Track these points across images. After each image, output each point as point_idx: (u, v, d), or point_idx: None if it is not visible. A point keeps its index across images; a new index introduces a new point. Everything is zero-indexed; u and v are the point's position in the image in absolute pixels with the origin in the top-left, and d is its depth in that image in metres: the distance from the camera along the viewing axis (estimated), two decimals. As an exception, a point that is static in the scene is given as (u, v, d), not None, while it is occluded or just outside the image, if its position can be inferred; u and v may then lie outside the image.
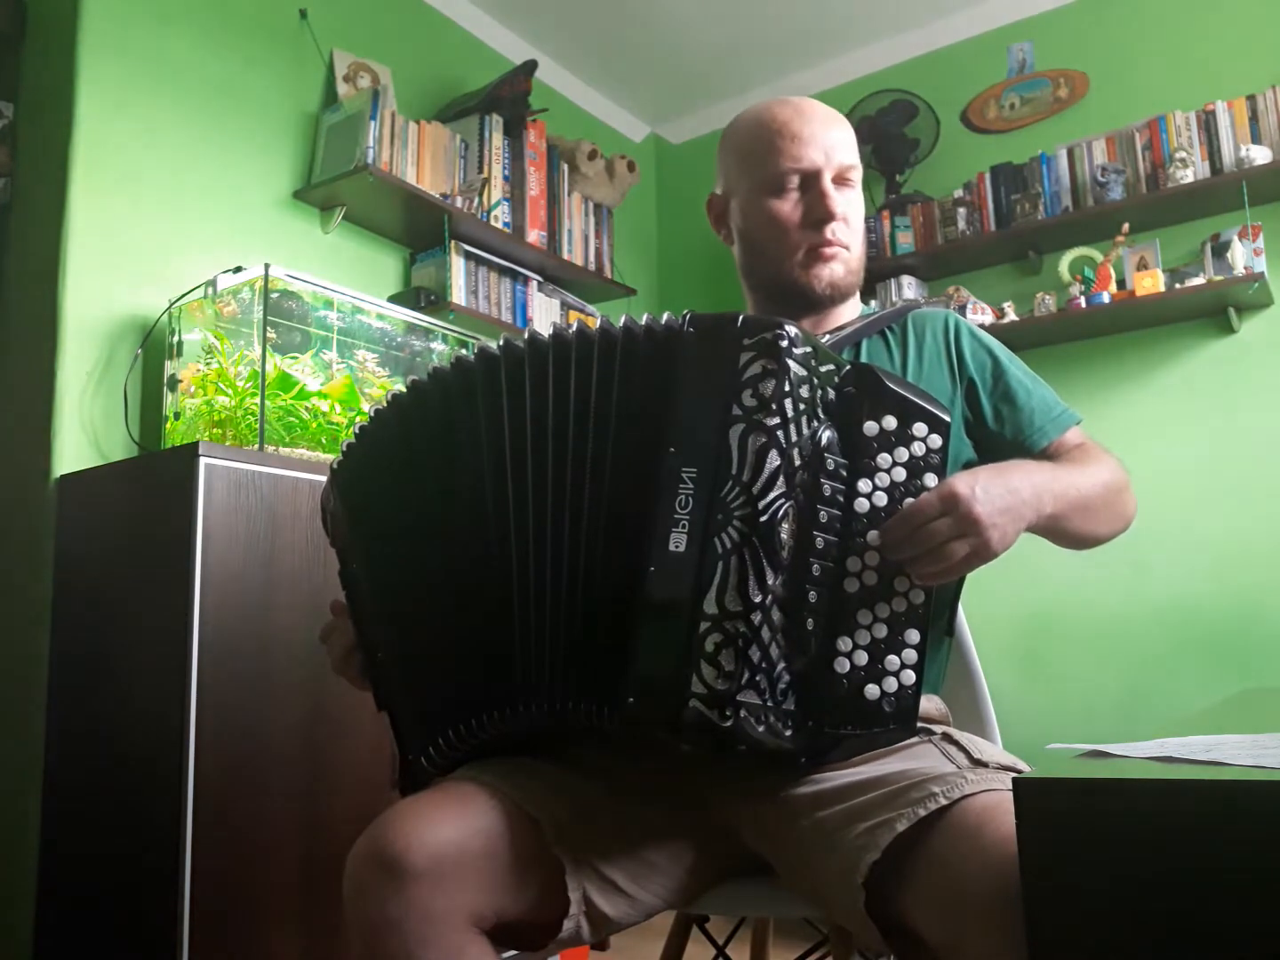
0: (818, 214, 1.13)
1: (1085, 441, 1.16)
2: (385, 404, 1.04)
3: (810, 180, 1.14)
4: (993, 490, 0.88)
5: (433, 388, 1.01)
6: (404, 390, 1.03)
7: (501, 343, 0.98)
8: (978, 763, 0.89)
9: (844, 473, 0.89)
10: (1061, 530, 1.03)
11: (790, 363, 0.86)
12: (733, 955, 1.28)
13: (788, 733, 0.85)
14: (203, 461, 1.67)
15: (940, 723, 1.06)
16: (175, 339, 2.13)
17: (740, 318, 0.89)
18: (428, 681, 0.99)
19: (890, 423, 0.90)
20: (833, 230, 1.14)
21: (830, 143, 1.14)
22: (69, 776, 1.84)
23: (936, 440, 0.91)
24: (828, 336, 1.14)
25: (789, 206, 1.15)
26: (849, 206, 1.16)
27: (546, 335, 0.96)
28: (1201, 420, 2.71)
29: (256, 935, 1.65)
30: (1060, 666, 2.81)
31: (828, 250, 1.14)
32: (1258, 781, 0.55)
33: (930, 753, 0.94)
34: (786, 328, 0.87)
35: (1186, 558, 2.67)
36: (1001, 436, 1.14)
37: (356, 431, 1.06)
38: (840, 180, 1.16)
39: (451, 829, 0.88)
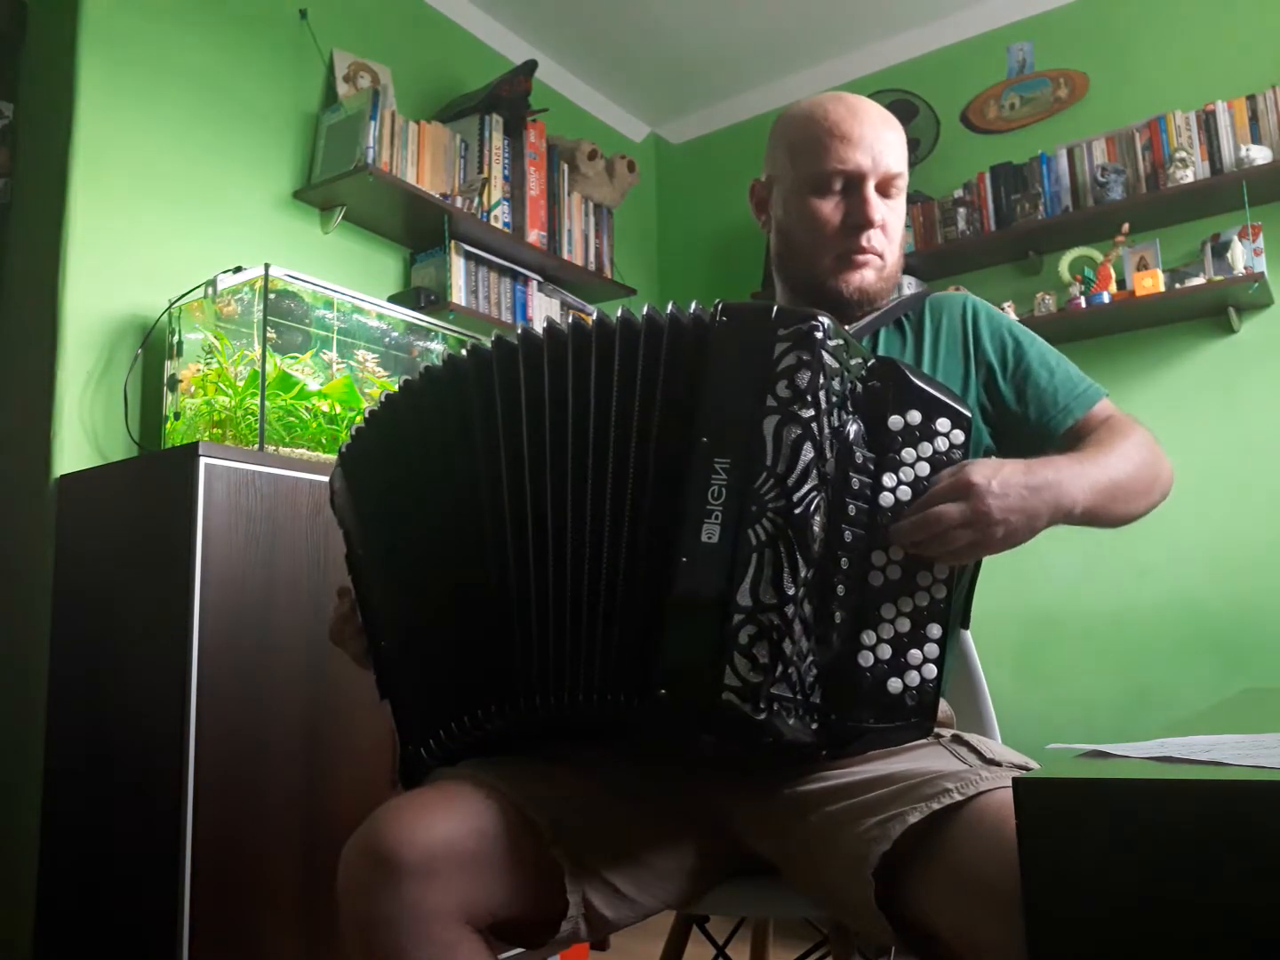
0: (856, 219, 1.12)
1: (1113, 414, 1.14)
2: (398, 390, 1.02)
3: (854, 183, 1.13)
4: (1011, 485, 0.88)
5: (447, 375, 0.99)
6: (417, 377, 1.01)
7: (519, 332, 0.96)
8: (990, 762, 0.89)
9: (871, 466, 0.89)
10: (1099, 519, 1.01)
11: (824, 354, 0.86)
12: (733, 955, 1.27)
13: (813, 726, 0.85)
14: (203, 461, 1.67)
15: (946, 725, 1.06)
16: (175, 339, 2.13)
17: (775, 308, 0.88)
18: (431, 671, 0.99)
19: (915, 417, 0.90)
20: (869, 237, 1.13)
21: (880, 148, 1.12)
22: (69, 775, 1.84)
23: (959, 436, 0.91)
24: (846, 327, 1.13)
25: (830, 207, 1.13)
26: (889, 215, 1.15)
27: (564, 326, 0.95)
28: (1201, 420, 2.71)
29: (257, 932, 1.65)
30: (1060, 666, 2.81)
31: (860, 257, 1.13)
32: (1258, 781, 0.55)
33: (940, 753, 0.93)
34: (820, 319, 0.87)
35: (1186, 557, 2.66)
36: (1025, 418, 1.13)
37: (367, 415, 1.05)
38: (884, 187, 1.14)
39: (445, 826, 0.87)
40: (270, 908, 1.67)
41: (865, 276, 1.14)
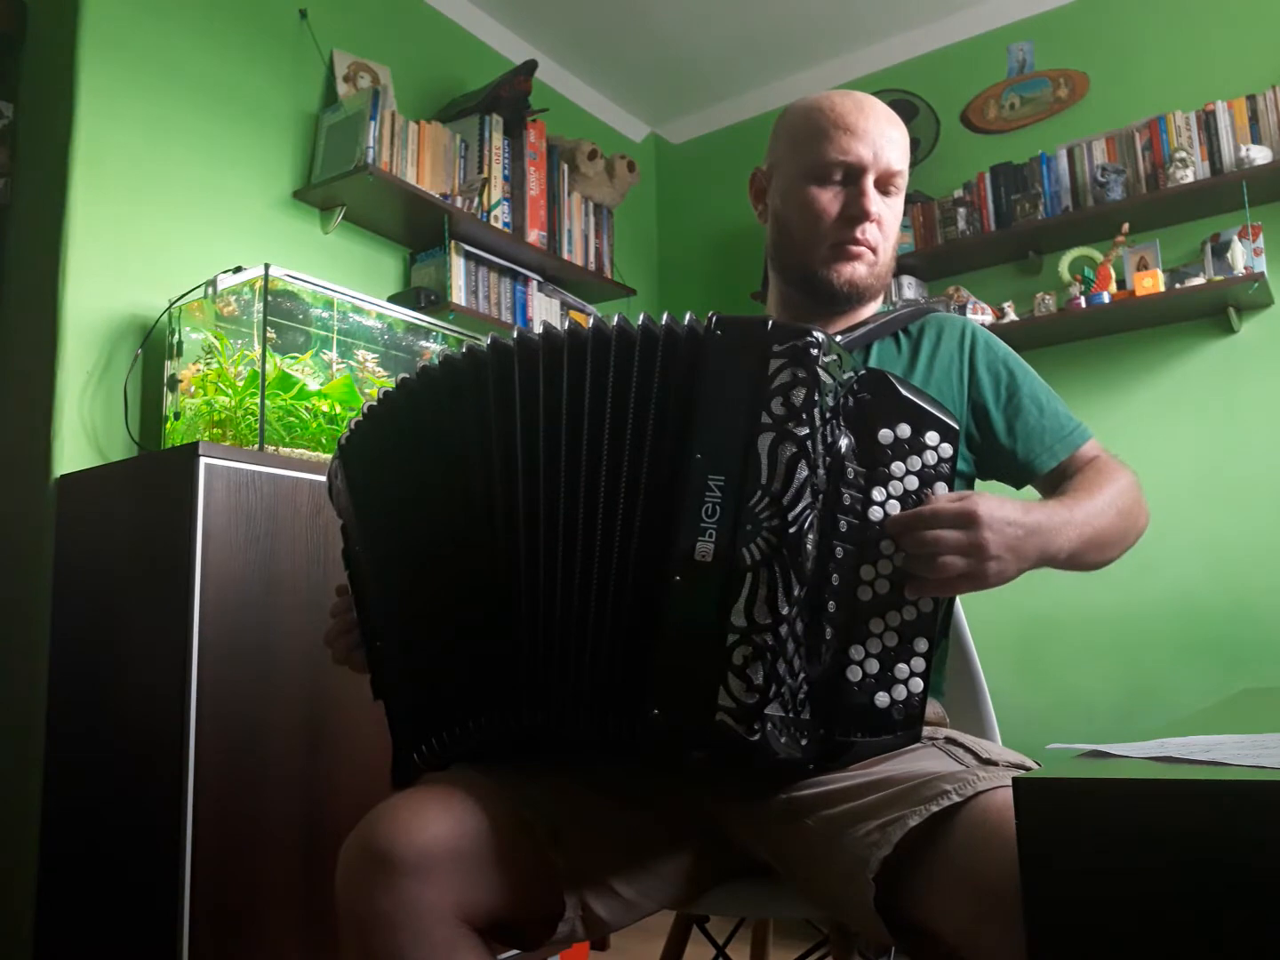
0: (852, 211, 1.13)
1: (1100, 455, 1.14)
2: (396, 387, 1.02)
3: (854, 175, 1.14)
4: (1010, 523, 0.88)
5: (444, 376, 0.99)
6: (415, 376, 1.01)
7: (516, 335, 0.96)
8: (986, 762, 0.89)
9: (861, 481, 0.89)
10: (1077, 565, 1.02)
11: (819, 370, 0.85)
12: (733, 955, 1.28)
13: (803, 742, 0.85)
14: (203, 461, 1.67)
15: (938, 725, 1.05)
16: (175, 339, 2.13)
17: (769, 322, 0.88)
18: (425, 676, 0.98)
19: (904, 430, 0.90)
20: (863, 230, 1.13)
21: (882, 144, 1.13)
22: (69, 776, 1.84)
23: (947, 449, 0.91)
24: (839, 336, 1.12)
25: (828, 197, 1.14)
26: (886, 211, 1.16)
27: (561, 330, 0.95)
28: (1201, 420, 2.71)
29: (257, 931, 1.65)
30: (1060, 667, 2.81)
31: (854, 248, 1.14)
32: (1258, 781, 0.55)
33: (935, 755, 0.93)
34: (815, 334, 0.86)
35: (1186, 558, 2.66)
36: (1012, 453, 1.14)
37: (365, 410, 1.04)
38: (884, 184, 1.15)
39: (442, 825, 0.87)
40: (270, 907, 1.67)
41: (857, 269, 1.15)
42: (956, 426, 0.92)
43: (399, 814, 0.88)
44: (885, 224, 1.16)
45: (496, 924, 0.90)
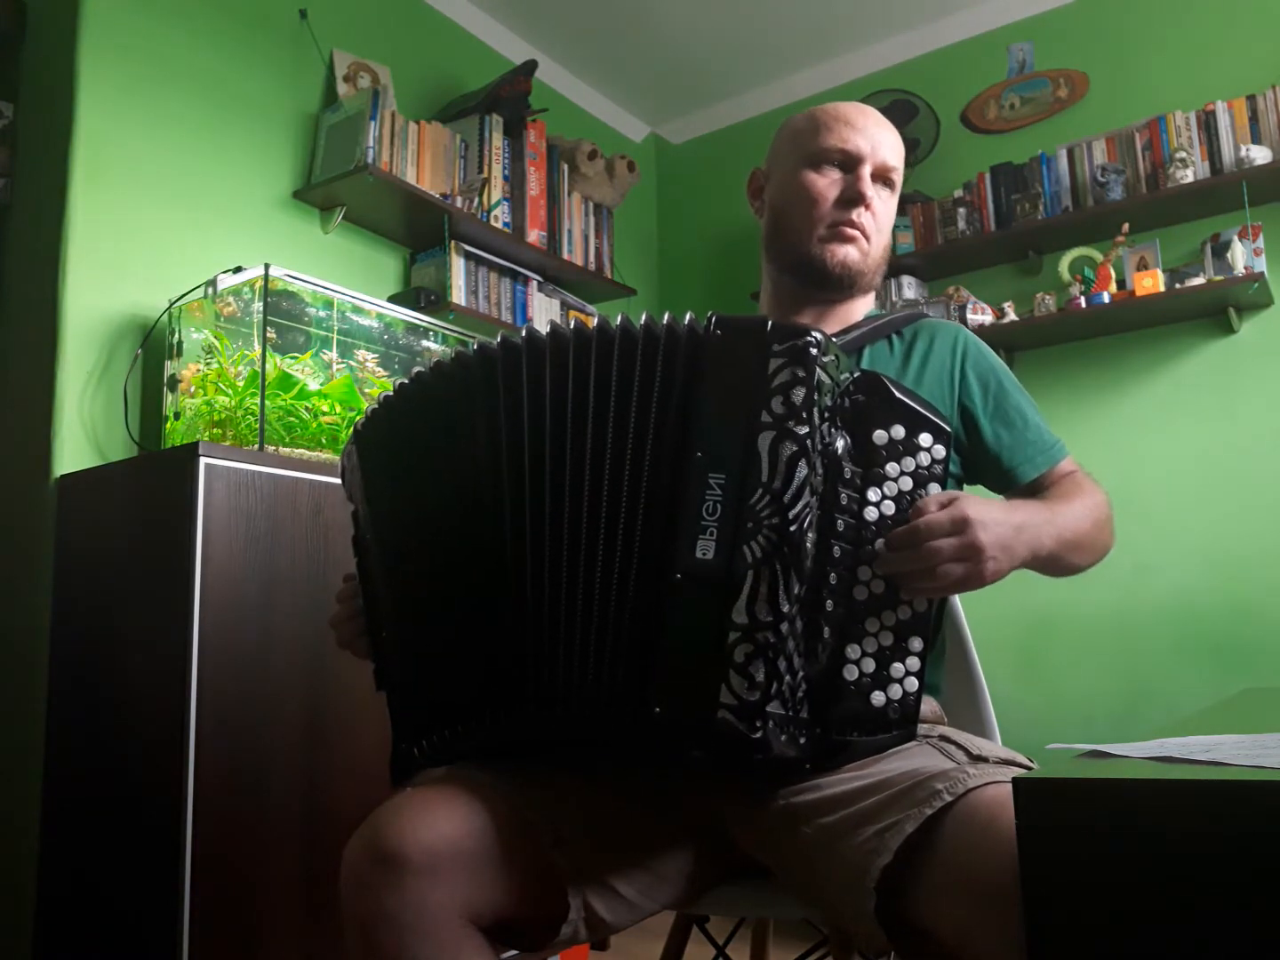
0: (849, 194, 1.18)
1: (1075, 471, 1.18)
2: (410, 380, 1.03)
3: (851, 163, 1.19)
4: (1000, 523, 0.90)
5: (454, 370, 1.00)
6: (428, 370, 1.02)
7: (524, 333, 0.97)
8: (977, 758, 0.89)
9: (858, 481, 0.90)
10: (1054, 567, 1.05)
11: (818, 370, 0.86)
12: (733, 955, 1.28)
13: (801, 740, 0.85)
14: (203, 461, 1.67)
15: (935, 723, 1.06)
16: (175, 339, 2.13)
17: (769, 322, 0.88)
18: (429, 671, 0.98)
19: (899, 432, 0.91)
20: (858, 214, 1.17)
21: (879, 140, 1.19)
22: (69, 776, 1.84)
23: (940, 451, 0.92)
24: (834, 338, 1.13)
25: (825, 182, 1.19)
26: (880, 203, 1.20)
27: (568, 330, 0.95)
28: (1201, 420, 2.71)
29: (257, 932, 1.65)
30: (1060, 667, 2.81)
31: (849, 230, 1.18)
32: (1258, 781, 0.55)
33: (929, 753, 0.93)
34: (814, 334, 0.87)
35: (1186, 557, 2.66)
36: (998, 461, 1.16)
37: (381, 399, 1.05)
38: (879, 177, 1.20)
39: (448, 825, 0.88)
40: (270, 908, 1.67)
41: (850, 252, 1.18)
42: (950, 429, 0.93)
43: (404, 814, 0.88)
44: (878, 214, 1.20)
45: (500, 924, 0.90)
